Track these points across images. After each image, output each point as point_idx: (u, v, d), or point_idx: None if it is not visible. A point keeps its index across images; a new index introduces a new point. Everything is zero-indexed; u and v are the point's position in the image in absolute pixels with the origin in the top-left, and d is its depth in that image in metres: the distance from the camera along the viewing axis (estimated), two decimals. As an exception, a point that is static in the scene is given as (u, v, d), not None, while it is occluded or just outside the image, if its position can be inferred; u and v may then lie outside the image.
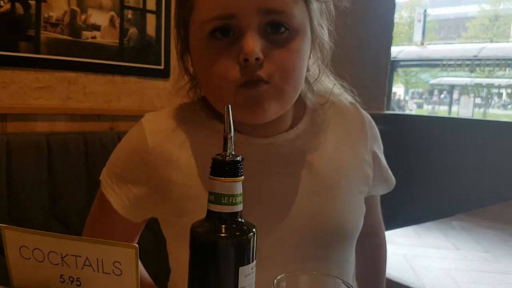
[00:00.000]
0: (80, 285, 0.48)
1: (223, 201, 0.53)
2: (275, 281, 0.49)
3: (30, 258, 0.48)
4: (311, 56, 0.78)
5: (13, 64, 1.58)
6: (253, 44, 0.66)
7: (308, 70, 0.78)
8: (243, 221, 0.55)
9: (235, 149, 0.67)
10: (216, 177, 0.52)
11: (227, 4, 0.67)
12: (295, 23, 0.70)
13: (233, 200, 0.53)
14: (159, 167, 0.78)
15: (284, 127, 0.81)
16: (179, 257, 0.82)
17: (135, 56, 1.84)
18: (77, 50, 1.70)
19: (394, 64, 3.09)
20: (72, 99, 1.72)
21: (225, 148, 0.54)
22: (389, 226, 1.66)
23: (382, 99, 2.81)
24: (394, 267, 1.36)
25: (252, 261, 0.54)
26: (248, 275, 0.53)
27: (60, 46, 1.67)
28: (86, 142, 1.59)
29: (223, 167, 0.52)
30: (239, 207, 0.54)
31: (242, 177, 0.54)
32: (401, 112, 3.20)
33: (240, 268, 0.52)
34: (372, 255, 1.04)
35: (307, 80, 0.83)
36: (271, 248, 0.75)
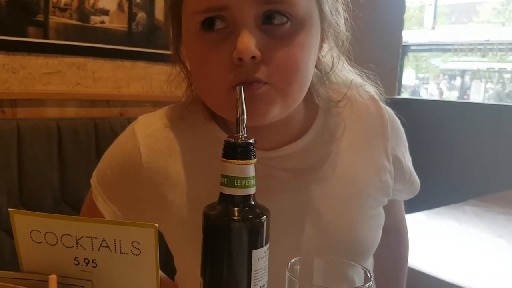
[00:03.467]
0: (96, 266, 0.48)
1: (235, 184, 0.52)
2: (289, 263, 0.49)
3: (41, 242, 0.48)
4: (324, 45, 0.69)
5: (22, 49, 1.57)
6: (248, 41, 0.57)
7: (319, 62, 0.69)
8: (256, 204, 0.54)
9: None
10: (229, 160, 0.52)
11: None
12: (298, 12, 0.59)
13: (246, 182, 0.52)
14: (154, 185, 0.71)
15: (292, 134, 0.71)
16: (182, 260, 0.79)
17: (144, 40, 1.83)
18: (86, 35, 1.70)
19: (405, 49, 3.05)
20: (82, 85, 1.71)
21: (237, 130, 0.53)
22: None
23: (394, 84, 2.79)
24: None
25: (266, 245, 0.53)
26: (261, 258, 0.53)
27: (68, 31, 1.66)
28: (96, 128, 1.59)
29: (236, 150, 0.51)
30: (252, 190, 0.53)
31: (255, 159, 0.53)
32: (412, 97, 3.16)
33: (254, 251, 0.52)
34: (393, 253, 0.95)
35: (318, 75, 0.72)
36: (282, 269, 0.58)
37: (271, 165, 0.69)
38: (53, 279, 0.45)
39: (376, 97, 0.79)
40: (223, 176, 0.52)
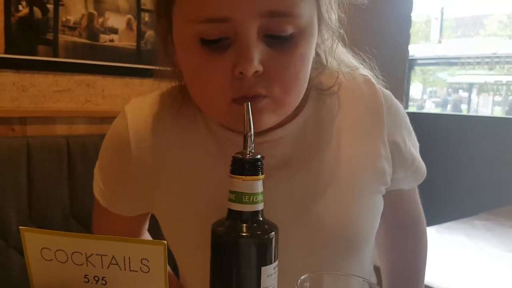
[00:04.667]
0: (105, 284, 0.48)
1: (244, 200, 0.52)
2: (298, 281, 0.48)
3: (52, 259, 0.48)
4: (317, 42, 0.65)
5: (32, 67, 1.59)
6: (251, 56, 0.55)
7: (318, 56, 0.68)
8: (264, 220, 0.54)
9: (224, 146, 0.68)
10: (237, 176, 0.52)
11: (220, 5, 0.54)
12: (301, 23, 0.57)
13: (254, 198, 0.52)
14: (143, 165, 0.71)
15: (281, 122, 0.66)
16: (181, 260, 0.78)
17: (152, 58, 1.85)
18: (95, 53, 1.72)
19: (412, 63, 3.05)
20: (91, 102, 1.73)
21: (245, 146, 0.53)
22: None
23: (401, 98, 2.78)
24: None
25: (274, 261, 0.53)
26: (270, 275, 0.53)
27: (78, 49, 1.68)
28: (105, 144, 1.60)
29: (243, 166, 0.52)
30: (260, 206, 0.53)
31: (263, 175, 0.53)
32: (420, 111, 3.16)
33: (263, 268, 0.52)
34: (410, 250, 0.87)
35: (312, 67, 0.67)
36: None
37: (258, 150, 0.60)
38: (63, 296, 0.46)
39: (372, 79, 0.75)
40: (231, 192, 0.53)
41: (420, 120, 2.73)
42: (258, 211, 0.53)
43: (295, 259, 0.65)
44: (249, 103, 0.54)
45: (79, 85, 1.70)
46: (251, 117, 0.54)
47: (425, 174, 0.82)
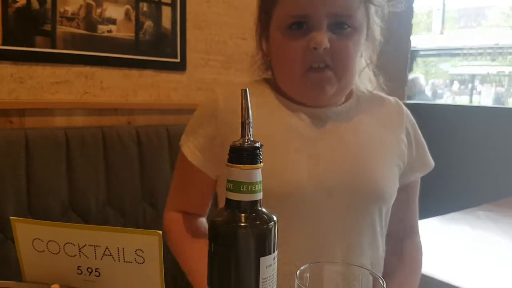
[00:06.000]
0: (99, 276, 0.47)
1: (242, 189, 0.50)
2: (298, 272, 0.47)
3: (44, 250, 0.47)
4: (364, 49, 0.95)
5: (29, 59, 1.58)
6: (322, 37, 0.84)
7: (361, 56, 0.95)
8: (263, 210, 0.52)
9: (293, 113, 0.94)
10: (234, 164, 0.50)
11: (304, 7, 0.85)
12: (356, 23, 0.87)
13: (252, 188, 0.51)
14: (226, 120, 0.92)
15: (334, 104, 0.96)
16: None
17: (151, 49, 1.83)
18: (93, 44, 1.70)
19: (414, 54, 3.02)
20: (89, 94, 1.71)
21: (243, 133, 0.52)
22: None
23: (403, 89, 2.76)
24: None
25: (274, 252, 0.52)
26: (269, 265, 0.51)
27: (76, 40, 1.66)
28: (104, 136, 1.58)
29: (242, 154, 0.50)
30: (259, 195, 0.52)
31: (261, 164, 0.51)
32: (422, 101, 3.13)
33: (261, 259, 0.50)
34: (411, 259, 1.04)
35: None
36: (317, 196, 0.87)
37: (317, 117, 0.94)
38: (55, 288, 0.44)
39: (398, 100, 1.06)
40: (229, 181, 0.51)
41: (420, 111, 2.71)
42: (256, 200, 0.52)
43: (336, 199, 0.88)
44: (247, 90, 0.52)
45: (78, 76, 1.68)
46: (249, 105, 0.53)
47: (433, 164, 1.04)
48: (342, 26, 0.86)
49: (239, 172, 0.50)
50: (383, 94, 1.04)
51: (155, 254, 0.44)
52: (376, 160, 0.93)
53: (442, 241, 1.54)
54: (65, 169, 1.50)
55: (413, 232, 1.08)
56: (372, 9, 0.91)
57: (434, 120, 2.59)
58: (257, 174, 0.51)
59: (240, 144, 0.51)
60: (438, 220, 1.71)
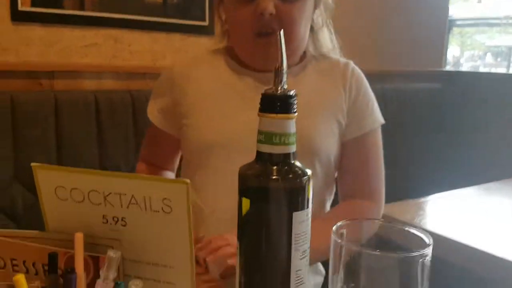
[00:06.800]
0: (125, 225, 0.45)
1: (274, 141, 0.48)
2: (334, 227, 0.44)
3: (67, 199, 0.45)
4: (316, 11, 0.99)
5: (58, 21, 1.56)
6: (267, 3, 0.88)
7: (312, 22, 1.00)
8: (296, 163, 0.50)
9: (239, 77, 1.00)
10: (266, 113, 0.47)
11: None
12: None
13: (285, 139, 0.48)
14: (179, 85, 1.02)
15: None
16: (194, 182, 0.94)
17: (179, 12, 1.80)
18: (122, 7, 1.67)
19: (450, 24, 2.90)
20: (118, 58, 1.70)
21: (276, 82, 0.49)
22: (438, 189, 1.58)
23: (440, 57, 2.66)
24: (444, 228, 1.28)
25: (307, 207, 0.49)
26: (302, 221, 0.48)
27: (104, 2, 1.64)
28: (133, 100, 1.57)
29: (274, 103, 0.47)
30: (292, 148, 0.49)
31: (295, 113, 0.48)
32: (459, 69, 2.99)
33: (294, 214, 0.48)
34: (360, 208, 1.03)
35: (310, 32, 1.01)
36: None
37: (263, 80, 0.98)
38: (79, 237, 0.43)
39: (351, 62, 1.06)
40: (260, 132, 0.48)
41: (457, 79, 2.60)
42: (290, 153, 0.49)
43: None
44: (282, 32, 0.49)
45: (106, 39, 1.66)
46: (283, 51, 0.49)
47: (381, 121, 1.05)
48: None
49: (271, 122, 0.47)
50: (336, 58, 1.07)
51: (183, 203, 0.42)
52: (312, 117, 0.96)
53: (477, 211, 1.49)
54: (95, 131, 1.50)
55: (372, 198, 1.04)
56: None
57: (469, 88, 2.48)
58: (291, 124, 0.48)
59: (272, 91, 0.48)
60: (474, 189, 1.65)
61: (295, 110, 0.48)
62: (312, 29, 1.02)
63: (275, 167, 0.48)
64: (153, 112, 1.08)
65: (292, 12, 0.90)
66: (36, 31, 1.54)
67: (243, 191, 0.49)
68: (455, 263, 1.19)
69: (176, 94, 1.03)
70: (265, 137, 0.48)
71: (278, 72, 0.48)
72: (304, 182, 0.48)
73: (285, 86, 0.48)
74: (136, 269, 0.46)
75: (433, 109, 2.34)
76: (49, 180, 0.45)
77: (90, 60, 1.65)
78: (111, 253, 0.41)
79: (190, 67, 1.04)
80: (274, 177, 0.48)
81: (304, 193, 0.49)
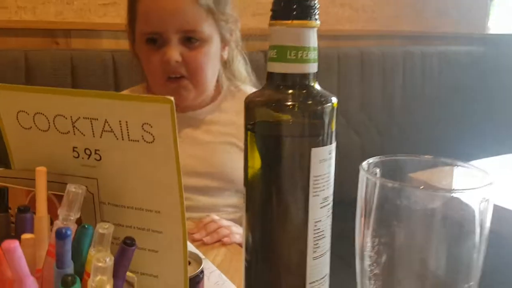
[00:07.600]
0: (100, 159, 0.36)
1: (288, 57, 0.37)
2: (365, 163, 0.34)
3: (31, 127, 0.36)
4: (227, 48, 1.04)
5: (75, -23, 1.48)
6: (172, 52, 0.93)
7: (222, 58, 1.04)
8: (317, 87, 0.39)
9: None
10: (279, 20, 0.37)
11: (154, 25, 0.94)
12: (204, 35, 0.95)
13: (304, 55, 0.37)
14: None
15: (204, 104, 1.06)
16: None
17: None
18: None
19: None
20: (138, 17, 1.61)
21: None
22: (481, 155, 1.44)
23: (484, 20, 2.48)
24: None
25: (330, 143, 0.39)
26: (324, 160, 0.38)
27: (123, -43, 1.54)
28: (153, 60, 1.49)
29: (290, 5, 0.37)
30: (313, 67, 0.38)
31: (318, 22, 0.38)
32: (504, 32, 2.77)
33: (313, 150, 0.38)
34: None
35: (223, 66, 1.06)
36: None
37: (179, 121, 0.88)
38: (40, 172, 0.34)
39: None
40: (271, 47, 0.38)
41: (501, 42, 2.40)
42: (308, 73, 0.38)
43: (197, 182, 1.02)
44: None
45: (125, -3, 1.58)
46: None
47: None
48: (190, 40, 0.94)
49: (285, 31, 0.37)
50: (245, 87, 1.10)
51: (167, 129, 0.32)
52: (224, 153, 1.03)
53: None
54: (113, 91, 1.43)
55: None
56: (222, 19, 0.99)
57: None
58: (311, 35, 0.37)
59: (287, -9, 0.37)
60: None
61: (317, 17, 0.37)
62: (224, 64, 1.06)
63: (289, 91, 0.38)
64: None
65: (197, 58, 0.95)
66: (53, -12, 1.47)
67: (250, 121, 0.40)
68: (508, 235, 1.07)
69: None
70: (278, 52, 0.38)
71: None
72: (326, 110, 0.38)
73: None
74: (115, 215, 0.37)
75: (474, 74, 2.19)
76: (11, 103, 0.36)
77: (108, 19, 1.56)
78: (72, 187, 0.32)
79: None
80: (288, 104, 0.38)
81: (325, 125, 0.38)
